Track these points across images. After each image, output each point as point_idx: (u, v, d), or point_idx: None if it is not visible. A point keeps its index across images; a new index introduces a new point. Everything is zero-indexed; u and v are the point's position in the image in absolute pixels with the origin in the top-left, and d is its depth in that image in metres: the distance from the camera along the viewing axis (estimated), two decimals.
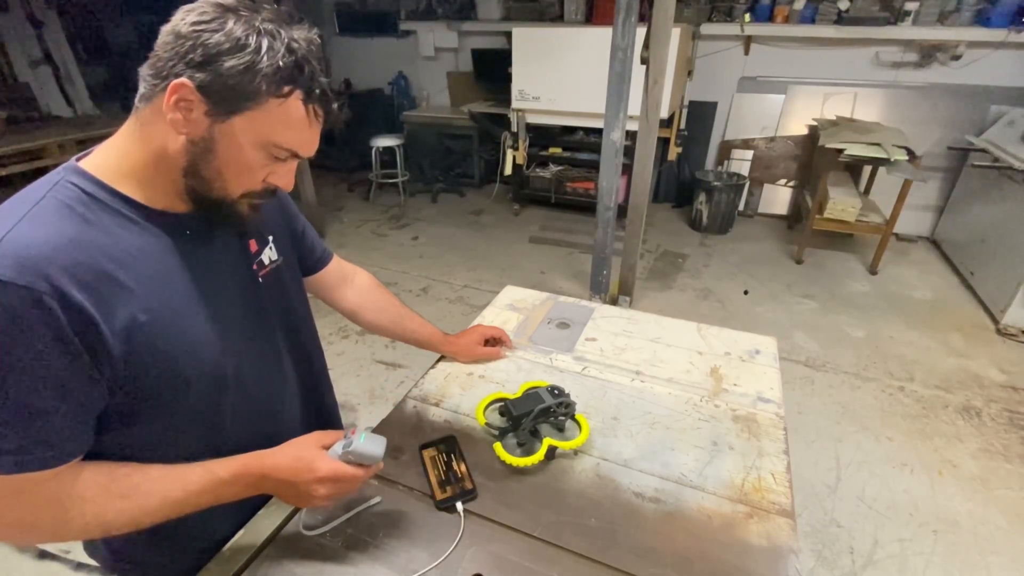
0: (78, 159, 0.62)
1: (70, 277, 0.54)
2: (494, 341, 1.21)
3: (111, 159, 0.61)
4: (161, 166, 0.60)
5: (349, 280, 1.06)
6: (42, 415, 0.54)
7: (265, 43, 0.56)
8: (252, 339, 0.75)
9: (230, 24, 0.55)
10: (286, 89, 0.58)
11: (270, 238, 0.81)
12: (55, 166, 0.60)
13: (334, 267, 1.02)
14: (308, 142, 0.64)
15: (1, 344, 0.51)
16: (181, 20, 0.56)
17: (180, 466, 0.65)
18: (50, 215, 0.56)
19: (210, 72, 0.55)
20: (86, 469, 0.61)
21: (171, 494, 0.63)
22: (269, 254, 0.80)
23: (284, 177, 0.66)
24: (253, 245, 0.77)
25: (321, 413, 1.00)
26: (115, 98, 5.24)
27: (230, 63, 0.55)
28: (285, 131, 0.61)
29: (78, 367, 0.55)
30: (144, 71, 0.58)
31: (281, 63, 0.57)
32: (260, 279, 0.77)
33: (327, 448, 0.71)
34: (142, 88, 0.59)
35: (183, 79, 0.55)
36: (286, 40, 0.57)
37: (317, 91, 0.61)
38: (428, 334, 1.14)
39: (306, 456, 0.69)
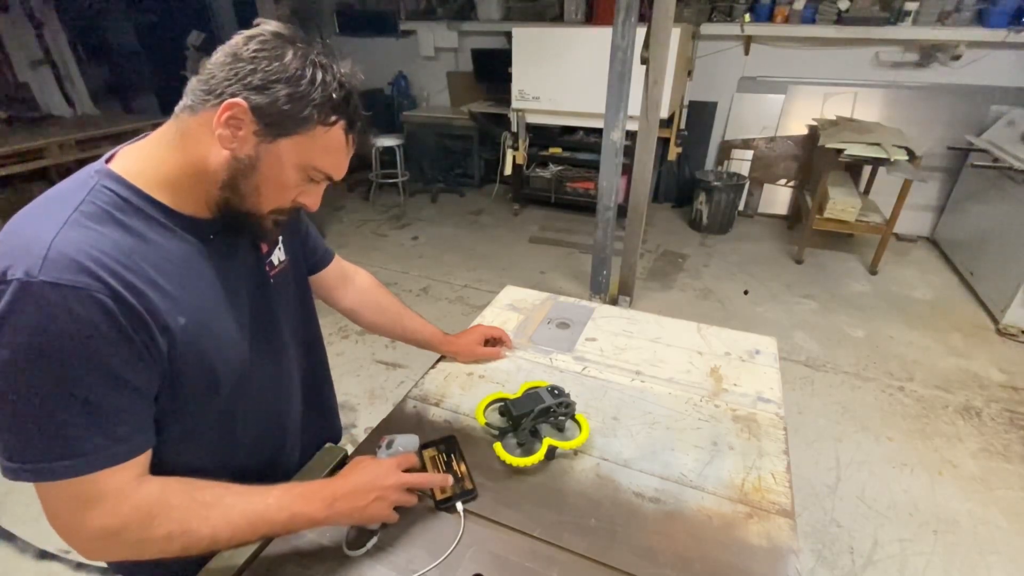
0: (107, 160, 0.63)
1: (119, 280, 0.55)
2: (494, 341, 1.22)
3: (146, 165, 0.62)
4: (200, 177, 0.62)
5: (349, 280, 1.06)
6: (116, 412, 0.56)
7: (319, 75, 0.60)
8: (262, 338, 0.76)
9: (289, 55, 0.59)
10: (333, 118, 0.62)
11: (279, 239, 0.82)
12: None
13: (335, 267, 1.02)
14: (342, 167, 0.68)
15: (70, 346, 0.52)
16: (243, 46, 0.59)
17: (259, 486, 0.67)
18: (92, 220, 0.57)
19: (266, 96, 0.58)
20: (170, 480, 0.62)
21: (250, 507, 0.64)
22: (278, 255, 0.81)
23: (312, 197, 0.70)
24: (264, 246, 0.78)
25: (322, 411, 1.00)
26: (115, 98, 5.23)
27: (286, 91, 0.58)
28: (325, 156, 0.65)
29: (140, 362, 0.57)
30: (194, 85, 0.61)
31: (333, 95, 0.61)
32: (271, 279, 0.79)
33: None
34: (188, 100, 0.61)
35: (239, 99, 0.57)
36: (337, 74, 0.62)
37: (359, 123, 0.66)
38: (428, 334, 1.15)
39: (370, 462, 0.75)
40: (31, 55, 4.29)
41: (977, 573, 1.68)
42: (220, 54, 0.60)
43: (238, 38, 0.60)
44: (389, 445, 0.81)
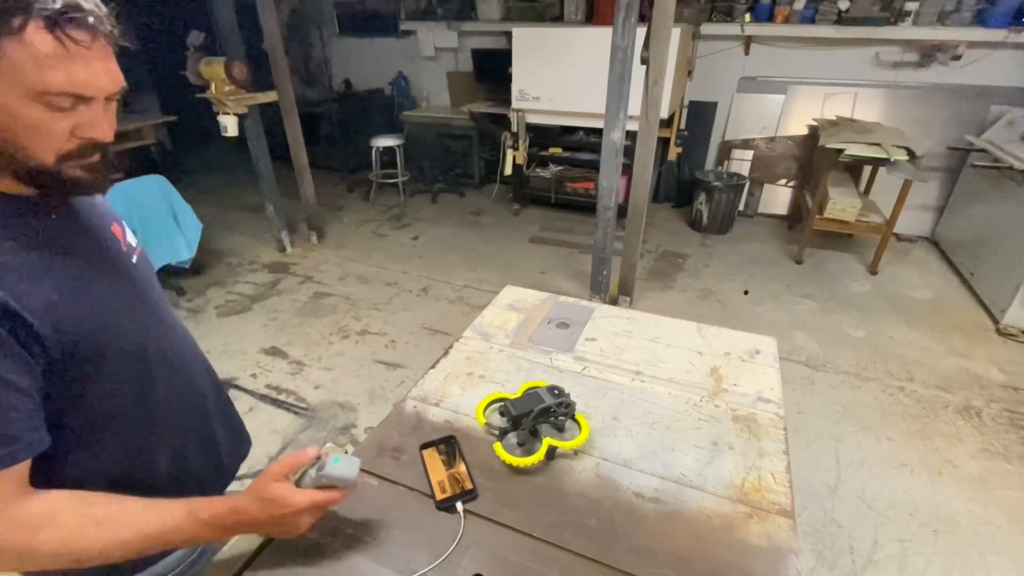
0: None
1: None
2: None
3: None
4: None
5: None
6: None
7: None
8: (153, 315, 0.74)
9: None
10: (16, 23, 0.48)
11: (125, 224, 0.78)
12: None
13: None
14: (84, 77, 0.53)
15: None
16: None
17: (160, 501, 0.63)
18: None
19: None
20: (59, 494, 0.59)
21: (147, 528, 0.61)
22: (131, 239, 0.77)
23: (95, 127, 0.57)
24: (117, 230, 0.74)
25: (217, 384, 0.94)
26: None
27: None
28: (44, 73, 0.50)
29: (12, 357, 0.53)
30: None
31: None
32: (134, 260, 0.75)
33: (294, 476, 0.68)
34: None
35: None
36: None
37: (59, 9, 0.50)
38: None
39: (276, 496, 0.65)
40: None
41: (977, 573, 1.68)
42: None
43: None
44: (320, 468, 0.67)
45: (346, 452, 0.72)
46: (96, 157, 0.59)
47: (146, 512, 0.62)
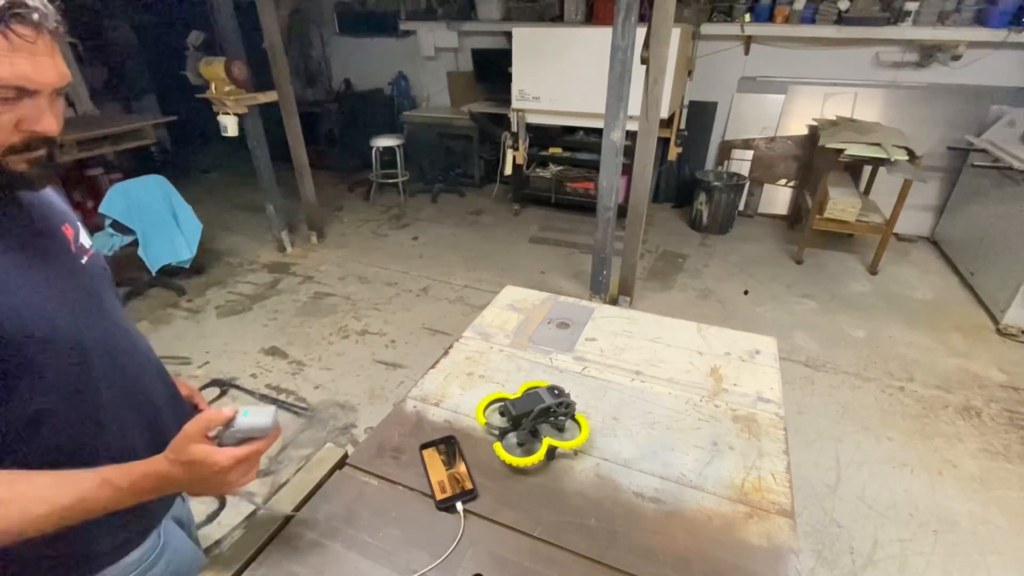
0: None
1: None
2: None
3: None
4: None
5: None
6: None
7: None
8: (99, 316, 0.72)
9: None
10: None
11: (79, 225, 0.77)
12: None
13: None
14: (29, 71, 0.54)
15: None
16: None
17: (72, 473, 0.61)
18: None
19: None
20: None
21: (61, 500, 0.59)
22: (85, 240, 0.76)
23: (40, 120, 0.57)
24: (68, 230, 0.72)
25: (174, 389, 0.92)
26: (115, 98, 5.25)
27: None
28: None
29: None
30: None
31: None
32: (84, 260, 0.73)
33: (212, 434, 0.65)
34: None
35: None
36: None
37: (3, 5, 0.51)
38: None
39: (197, 457, 0.62)
40: None
41: (977, 573, 1.68)
42: None
43: None
44: (229, 424, 0.65)
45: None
46: (42, 151, 0.59)
47: (57, 486, 0.60)
